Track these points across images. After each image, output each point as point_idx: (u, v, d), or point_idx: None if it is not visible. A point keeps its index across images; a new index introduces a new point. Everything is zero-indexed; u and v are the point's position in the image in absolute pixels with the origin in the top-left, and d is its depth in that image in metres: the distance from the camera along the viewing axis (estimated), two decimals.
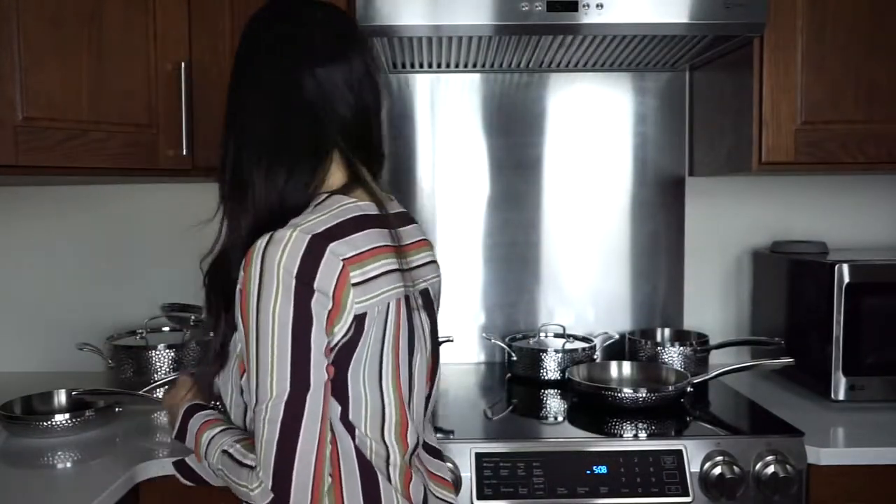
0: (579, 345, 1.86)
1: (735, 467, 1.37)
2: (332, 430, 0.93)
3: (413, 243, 1.07)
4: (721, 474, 1.36)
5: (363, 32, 1.10)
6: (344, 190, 0.99)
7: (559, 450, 1.39)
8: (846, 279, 1.60)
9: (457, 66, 1.88)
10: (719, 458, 1.38)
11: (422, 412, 1.05)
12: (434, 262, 1.14)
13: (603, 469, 1.37)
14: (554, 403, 1.72)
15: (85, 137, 1.48)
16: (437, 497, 1.07)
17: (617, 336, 1.95)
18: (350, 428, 0.94)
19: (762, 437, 1.42)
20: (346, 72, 1.00)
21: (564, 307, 2.02)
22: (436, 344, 1.10)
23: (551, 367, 1.80)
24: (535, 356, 1.81)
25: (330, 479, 0.92)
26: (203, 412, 1.06)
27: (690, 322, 2.02)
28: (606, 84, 1.99)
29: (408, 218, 1.12)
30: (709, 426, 1.51)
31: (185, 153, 1.61)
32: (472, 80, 1.99)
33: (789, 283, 1.81)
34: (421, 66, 1.87)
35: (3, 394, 1.61)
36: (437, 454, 1.12)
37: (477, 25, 1.52)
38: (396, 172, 2.00)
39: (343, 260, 0.89)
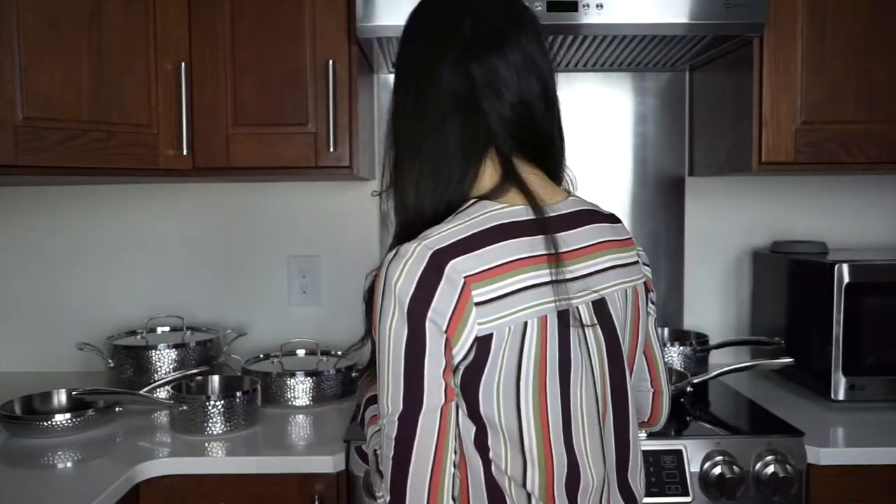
0: None
1: (735, 467, 1.37)
2: (460, 453, 0.88)
3: (586, 248, 0.93)
4: (721, 474, 1.36)
5: (528, 13, 0.97)
6: (494, 193, 0.90)
7: None
8: (846, 279, 1.60)
9: None
10: (719, 458, 1.38)
11: (598, 445, 0.91)
12: (620, 266, 0.97)
13: None
14: None
15: (85, 137, 1.48)
16: None
17: None
18: (484, 451, 0.87)
19: (762, 437, 1.42)
20: (502, 63, 0.90)
21: None
22: (617, 361, 0.94)
23: None
24: None
25: (454, 502, 0.87)
26: (376, 405, 1.01)
27: (690, 322, 2.02)
28: (606, 84, 1.99)
29: (584, 218, 0.96)
30: (709, 426, 1.51)
31: (185, 153, 1.61)
32: None
33: (789, 283, 1.81)
34: None
35: (3, 394, 1.61)
36: (631, 499, 0.98)
37: None
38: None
39: (466, 277, 0.82)
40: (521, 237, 0.86)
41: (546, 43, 0.98)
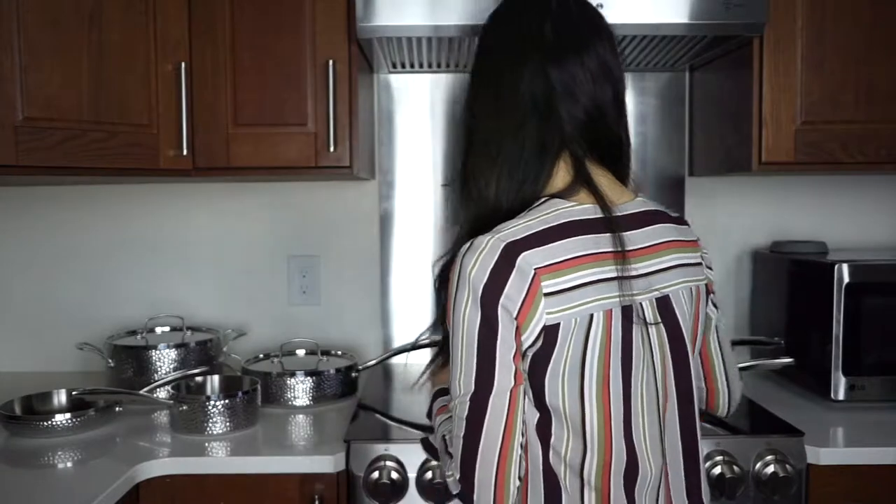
0: None
1: (735, 467, 1.37)
2: (525, 436, 0.92)
3: (650, 247, 0.97)
4: (721, 474, 1.36)
5: (604, 21, 1.01)
6: (565, 193, 0.95)
7: None
8: (846, 279, 1.60)
9: (457, 66, 1.88)
10: (719, 458, 1.38)
11: (657, 439, 0.95)
12: (685, 265, 1.00)
13: None
14: None
15: (85, 138, 1.48)
16: None
17: None
18: (545, 438, 0.92)
19: (762, 436, 1.42)
20: (579, 68, 0.95)
21: None
22: (681, 359, 0.97)
23: None
24: None
25: (520, 482, 0.92)
26: (445, 397, 1.08)
27: None
28: None
29: (650, 218, 1.00)
30: (709, 426, 1.51)
31: (185, 153, 1.61)
32: None
33: (789, 283, 1.81)
34: (421, 66, 1.87)
35: (3, 394, 1.61)
36: (695, 494, 1.00)
37: (477, 25, 1.51)
38: (395, 173, 2.00)
39: (536, 269, 0.88)
40: (588, 234, 0.91)
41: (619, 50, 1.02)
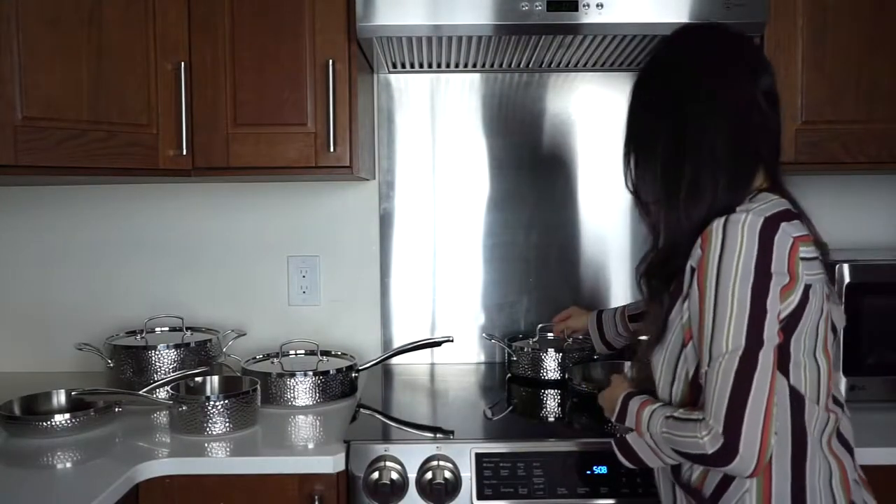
0: (579, 345, 1.86)
1: None
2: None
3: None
4: None
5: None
6: (768, 190, 1.11)
7: (559, 450, 1.39)
8: (846, 279, 1.60)
9: (457, 66, 1.88)
10: None
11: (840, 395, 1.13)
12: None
13: (603, 469, 1.37)
14: (554, 404, 1.72)
15: (84, 137, 1.48)
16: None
17: None
18: (793, 395, 1.03)
19: None
20: (773, 86, 1.13)
21: (564, 307, 2.01)
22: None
23: (551, 368, 1.80)
24: (535, 357, 1.81)
25: (777, 435, 0.99)
26: (640, 396, 1.16)
27: None
28: (606, 84, 1.98)
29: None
30: None
31: (184, 153, 1.62)
32: (472, 80, 1.99)
33: None
34: (421, 66, 1.87)
35: (3, 394, 1.61)
36: (846, 445, 1.15)
37: (477, 25, 1.52)
38: (395, 173, 2.00)
39: (793, 237, 1.02)
40: (797, 220, 1.07)
41: None
